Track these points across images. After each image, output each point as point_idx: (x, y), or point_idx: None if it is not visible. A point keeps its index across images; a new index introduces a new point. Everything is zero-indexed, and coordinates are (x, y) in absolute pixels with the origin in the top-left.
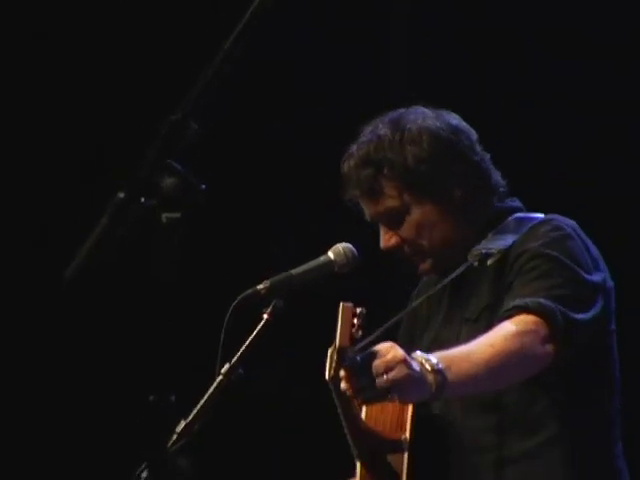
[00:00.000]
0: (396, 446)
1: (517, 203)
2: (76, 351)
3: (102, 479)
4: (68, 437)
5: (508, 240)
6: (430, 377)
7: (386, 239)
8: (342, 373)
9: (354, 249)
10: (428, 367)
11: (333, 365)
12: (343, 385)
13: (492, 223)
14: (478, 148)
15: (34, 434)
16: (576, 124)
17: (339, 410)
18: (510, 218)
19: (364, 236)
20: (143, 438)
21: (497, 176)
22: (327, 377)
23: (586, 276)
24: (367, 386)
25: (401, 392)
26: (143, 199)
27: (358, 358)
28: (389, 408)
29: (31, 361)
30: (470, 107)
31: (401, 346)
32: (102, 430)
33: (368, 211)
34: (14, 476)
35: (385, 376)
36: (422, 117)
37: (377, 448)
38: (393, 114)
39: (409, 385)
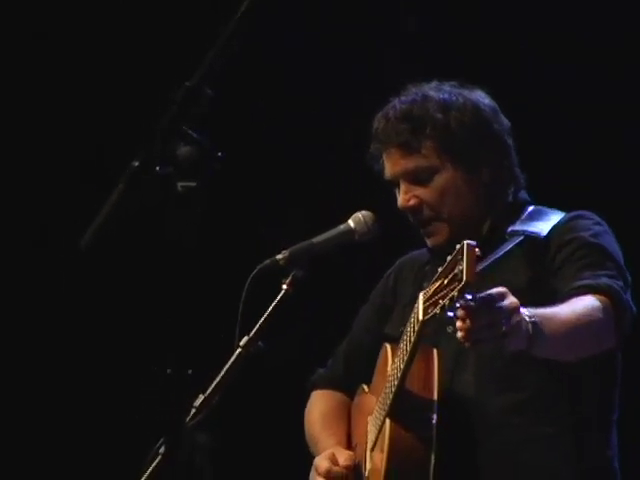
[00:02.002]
0: (426, 406)
1: (527, 196)
2: (92, 323)
3: (119, 454)
4: (85, 411)
5: (541, 227)
6: (529, 328)
7: (406, 199)
8: (459, 312)
9: (374, 217)
10: (527, 319)
11: (443, 303)
12: (459, 324)
13: (513, 211)
14: (510, 136)
15: (50, 406)
16: (570, 128)
17: (403, 359)
18: (529, 208)
19: (384, 206)
20: (161, 413)
21: (518, 167)
22: (422, 317)
23: (626, 272)
24: (486, 326)
25: (509, 340)
26: (158, 167)
27: (478, 297)
28: (415, 368)
29: (48, 332)
30: None
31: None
32: (119, 404)
33: (394, 167)
34: (27, 451)
35: (508, 320)
36: (467, 90)
37: (409, 406)
38: (438, 82)
39: (519, 332)
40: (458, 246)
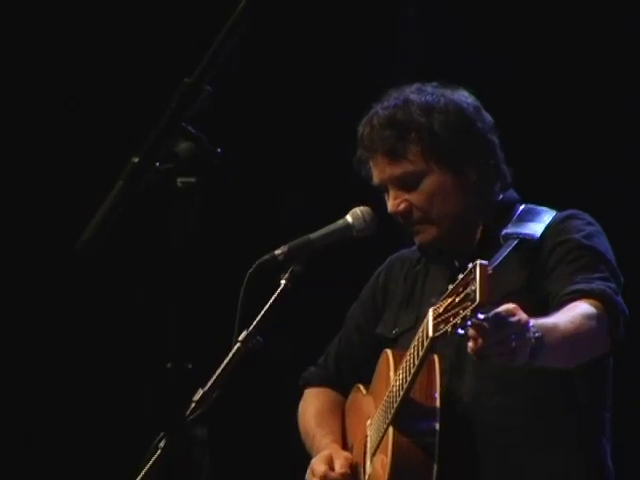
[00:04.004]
0: (428, 414)
1: (515, 194)
2: (93, 319)
3: (119, 448)
4: (85, 405)
5: (535, 229)
6: (533, 342)
7: (395, 204)
8: (471, 331)
9: (372, 212)
10: (532, 334)
11: (455, 321)
12: (471, 343)
13: (504, 211)
14: (495, 132)
15: (50, 399)
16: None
17: (409, 371)
18: (520, 207)
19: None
20: (160, 407)
21: (504, 163)
22: (432, 334)
23: (619, 273)
24: (496, 344)
25: (517, 355)
26: (158, 163)
27: (490, 316)
28: (418, 378)
29: (47, 328)
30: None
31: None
32: (119, 399)
33: (381, 173)
34: (26, 444)
35: (517, 336)
36: (449, 91)
37: (412, 414)
38: (419, 85)
39: (525, 350)
40: (470, 265)
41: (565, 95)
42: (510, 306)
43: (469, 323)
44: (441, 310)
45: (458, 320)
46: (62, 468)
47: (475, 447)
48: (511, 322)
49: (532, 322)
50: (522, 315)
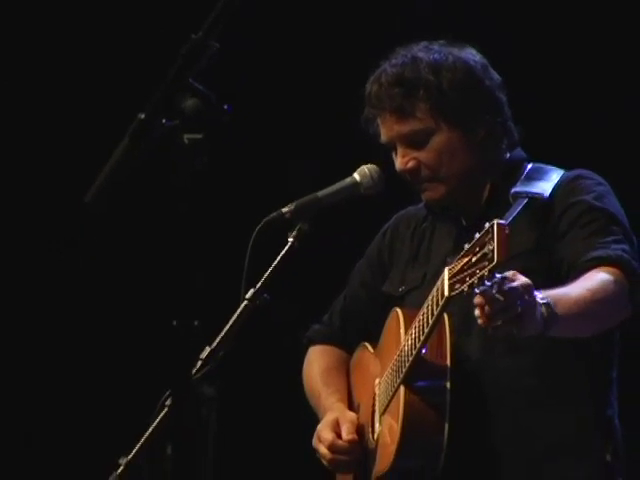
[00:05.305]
0: (439, 373)
1: (523, 153)
2: (98, 275)
3: (126, 406)
4: (89, 362)
5: (543, 187)
6: (543, 309)
7: (404, 161)
8: (478, 299)
9: (380, 170)
10: (539, 300)
11: (471, 281)
12: (477, 312)
13: (512, 170)
14: (503, 90)
15: (56, 354)
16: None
17: (422, 330)
18: (528, 166)
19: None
20: (167, 365)
21: (511, 121)
22: (448, 293)
23: (632, 233)
24: (501, 310)
25: (525, 322)
26: (164, 120)
27: (497, 279)
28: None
29: (53, 286)
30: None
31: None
32: (125, 356)
33: (389, 131)
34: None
35: (522, 300)
36: (456, 49)
37: (422, 373)
38: (427, 43)
39: (534, 313)
40: (487, 225)
41: (574, 54)
42: (511, 271)
43: (487, 283)
44: (457, 269)
45: (475, 280)
46: (68, 425)
47: (486, 407)
48: (513, 286)
49: (541, 291)
50: (523, 279)
